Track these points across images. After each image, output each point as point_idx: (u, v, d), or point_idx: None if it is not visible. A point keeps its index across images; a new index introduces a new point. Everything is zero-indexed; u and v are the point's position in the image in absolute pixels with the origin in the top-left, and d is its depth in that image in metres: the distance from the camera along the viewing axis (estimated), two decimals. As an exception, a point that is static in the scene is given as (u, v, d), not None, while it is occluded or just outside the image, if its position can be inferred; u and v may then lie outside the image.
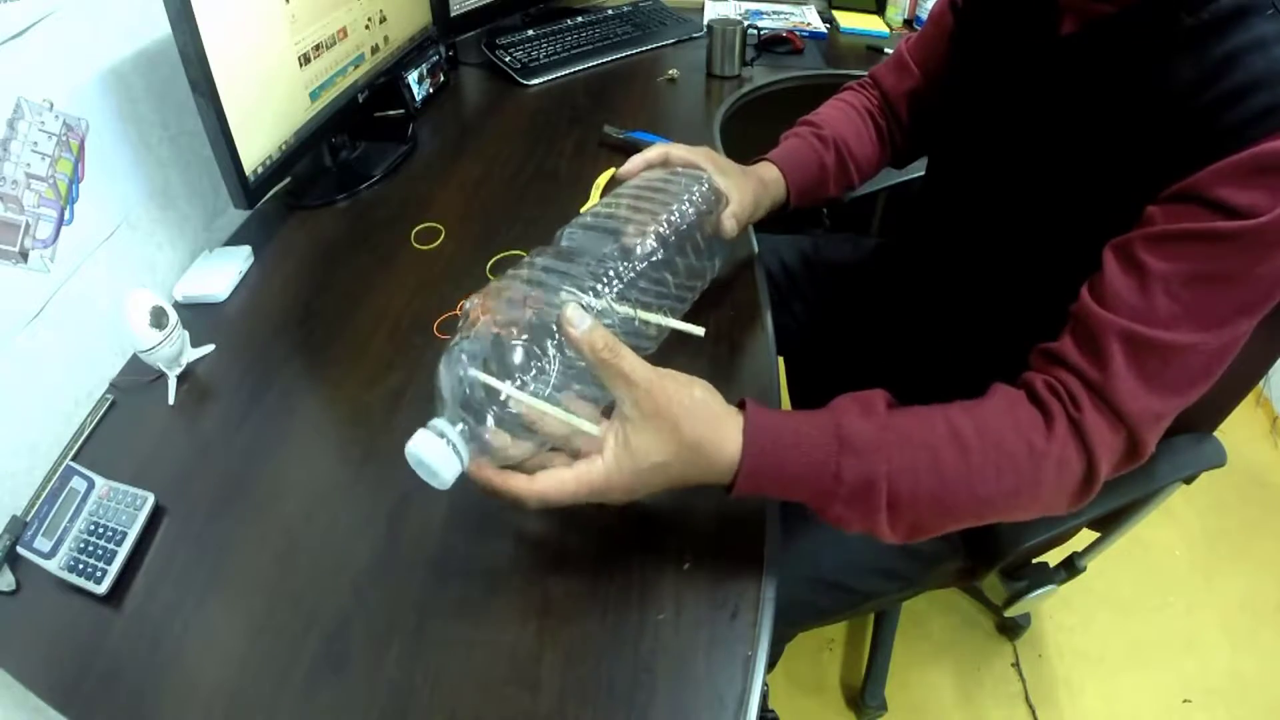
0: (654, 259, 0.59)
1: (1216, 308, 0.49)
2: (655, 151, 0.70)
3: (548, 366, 0.49)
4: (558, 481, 0.49)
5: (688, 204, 0.64)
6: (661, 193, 0.65)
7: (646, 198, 0.65)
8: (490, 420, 0.48)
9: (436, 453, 0.47)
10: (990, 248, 0.69)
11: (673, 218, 0.62)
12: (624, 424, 0.49)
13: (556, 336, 0.49)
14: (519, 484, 0.49)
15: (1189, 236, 0.48)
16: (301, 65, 0.92)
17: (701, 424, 0.49)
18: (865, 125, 0.85)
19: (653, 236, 0.59)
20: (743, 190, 0.71)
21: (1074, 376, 0.51)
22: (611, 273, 0.56)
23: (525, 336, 0.49)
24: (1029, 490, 0.51)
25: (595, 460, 0.49)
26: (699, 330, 0.54)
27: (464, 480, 0.48)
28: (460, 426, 0.48)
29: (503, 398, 0.47)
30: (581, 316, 0.48)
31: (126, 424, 0.75)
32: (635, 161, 0.70)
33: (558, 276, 0.54)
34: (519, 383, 0.48)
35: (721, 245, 0.69)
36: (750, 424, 0.49)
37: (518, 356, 0.49)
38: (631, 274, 0.57)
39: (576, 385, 0.51)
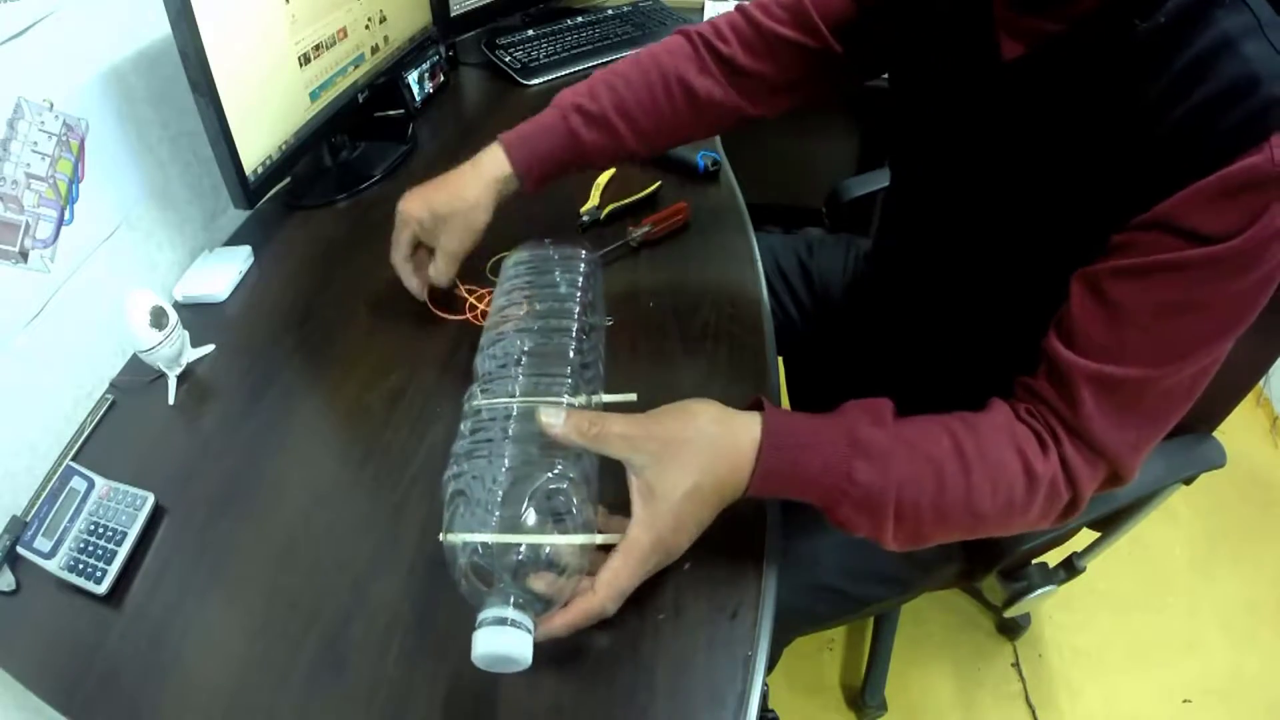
0: (574, 352, 0.59)
1: (1190, 336, 0.48)
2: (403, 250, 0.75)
3: (543, 498, 0.49)
4: (613, 572, 0.48)
5: (581, 289, 0.64)
6: (555, 288, 0.65)
7: (545, 297, 0.64)
8: (524, 576, 0.47)
9: (508, 641, 0.44)
10: (962, 258, 0.67)
11: (577, 308, 0.62)
12: (639, 476, 0.49)
13: (536, 464, 0.50)
14: (585, 604, 0.48)
15: (1158, 268, 0.46)
16: (301, 65, 0.92)
17: (711, 429, 0.49)
18: (662, 87, 0.74)
19: (571, 336, 0.60)
20: (456, 237, 0.72)
21: (1052, 413, 0.52)
22: (555, 384, 0.56)
23: (501, 490, 0.49)
24: (1020, 511, 0.51)
25: (630, 528, 0.49)
26: (631, 396, 0.62)
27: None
28: (511, 598, 0.46)
29: (519, 554, 0.46)
30: (554, 412, 0.49)
31: (126, 424, 0.75)
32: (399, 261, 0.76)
33: (499, 417, 0.54)
34: (529, 524, 0.47)
35: (601, 302, 0.69)
36: (768, 423, 0.50)
37: (513, 499, 0.48)
38: (568, 375, 0.56)
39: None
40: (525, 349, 0.58)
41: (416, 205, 0.73)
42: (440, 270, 0.73)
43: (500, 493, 0.48)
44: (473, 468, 0.51)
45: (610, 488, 0.52)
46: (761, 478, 0.49)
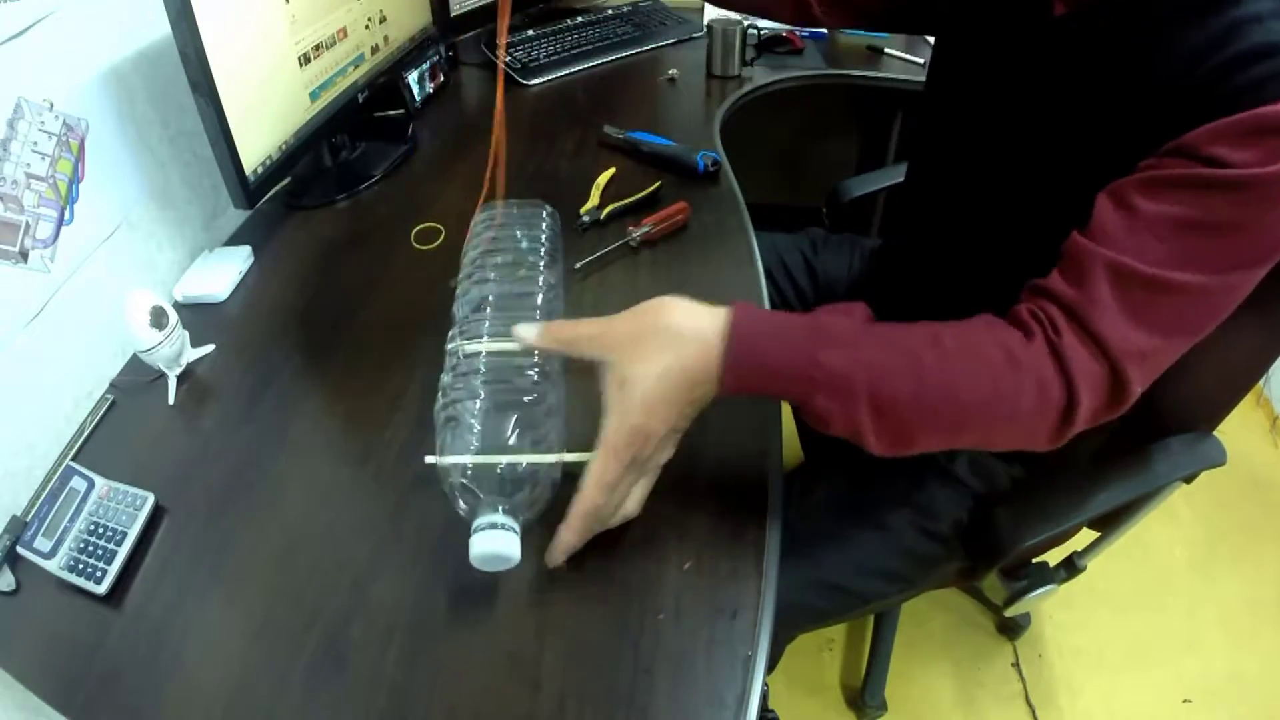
0: (541, 298, 0.66)
1: (1208, 256, 0.49)
2: None
3: (517, 423, 0.55)
4: (598, 465, 0.51)
5: (544, 238, 0.72)
6: (518, 241, 0.72)
7: (509, 249, 0.71)
8: (506, 490, 0.53)
9: (500, 541, 0.51)
10: (984, 240, 0.68)
11: (540, 261, 0.69)
12: (610, 371, 0.51)
13: (522, 399, 0.56)
14: (578, 506, 0.52)
15: (1180, 182, 0.48)
16: (301, 65, 0.92)
17: (679, 318, 0.51)
18: None
19: (536, 284, 0.67)
20: None
21: (1056, 305, 0.51)
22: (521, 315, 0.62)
23: (479, 412, 0.55)
24: (1008, 401, 0.50)
25: (605, 422, 0.51)
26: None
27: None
28: (499, 508, 0.52)
29: (500, 469, 0.53)
30: (526, 328, 0.55)
31: (126, 424, 0.75)
32: None
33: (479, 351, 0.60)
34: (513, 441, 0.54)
35: (561, 253, 0.77)
36: (735, 313, 0.51)
37: (494, 424, 0.55)
38: (535, 319, 0.62)
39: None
40: (492, 296, 0.65)
41: None
42: None
43: (481, 421, 0.55)
44: (457, 396, 0.57)
45: (579, 419, 0.57)
46: (730, 368, 0.50)
